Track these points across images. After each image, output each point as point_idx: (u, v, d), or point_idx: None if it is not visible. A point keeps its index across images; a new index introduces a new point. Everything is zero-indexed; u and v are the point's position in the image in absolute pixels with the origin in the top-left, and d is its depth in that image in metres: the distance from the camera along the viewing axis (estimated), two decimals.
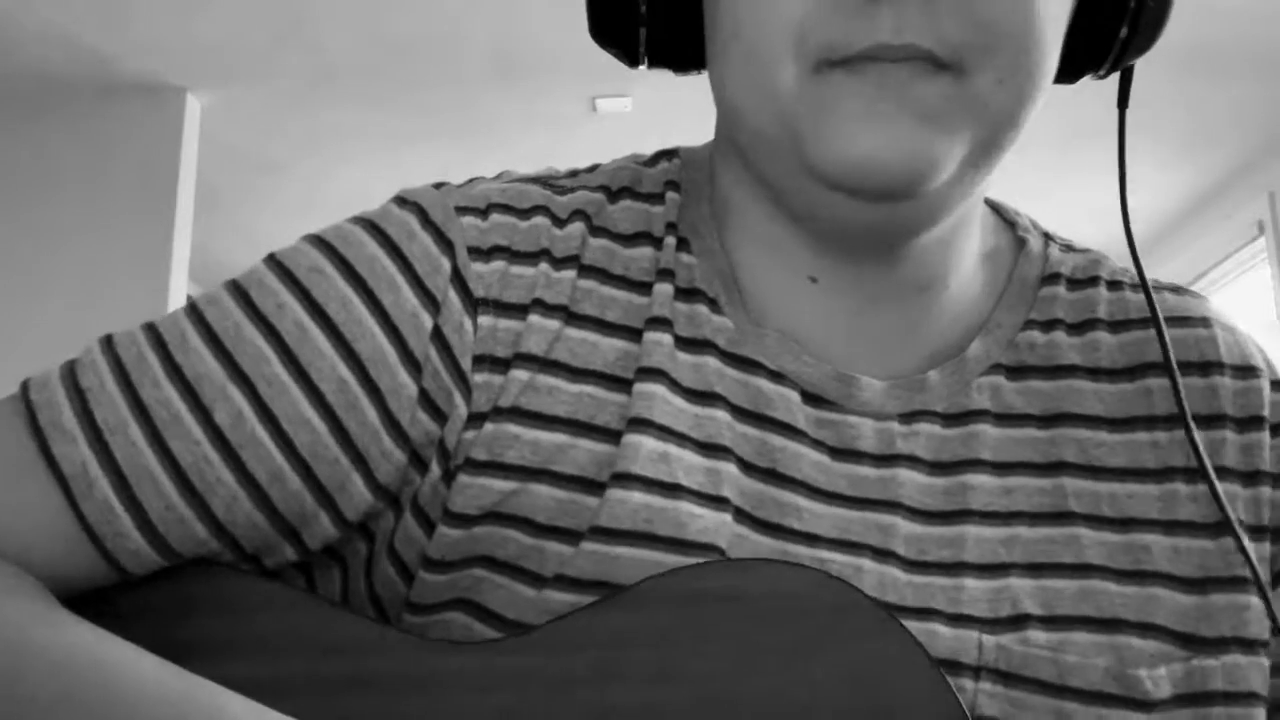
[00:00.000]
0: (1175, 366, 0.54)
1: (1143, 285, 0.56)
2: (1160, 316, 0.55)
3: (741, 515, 0.51)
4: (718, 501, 0.51)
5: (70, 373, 0.51)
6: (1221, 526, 0.53)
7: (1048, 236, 0.61)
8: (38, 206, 3.56)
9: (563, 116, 3.89)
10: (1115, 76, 0.56)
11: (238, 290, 0.52)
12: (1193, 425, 0.53)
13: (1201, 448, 0.53)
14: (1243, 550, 0.51)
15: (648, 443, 0.51)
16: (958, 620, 0.50)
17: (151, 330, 0.52)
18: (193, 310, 0.52)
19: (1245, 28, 3.28)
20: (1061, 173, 4.10)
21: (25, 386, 0.51)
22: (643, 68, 0.56)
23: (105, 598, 0.50)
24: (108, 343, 0.52)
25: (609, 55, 0.56)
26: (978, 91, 0.47)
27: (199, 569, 0.50)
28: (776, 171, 0.51)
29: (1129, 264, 0.60)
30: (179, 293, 3.50)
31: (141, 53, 3.44)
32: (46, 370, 0.52)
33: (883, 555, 0.51)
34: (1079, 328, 0.57)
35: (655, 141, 0.65)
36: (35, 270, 3.48)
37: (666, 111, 3.77)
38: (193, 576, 0.50)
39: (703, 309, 0.54)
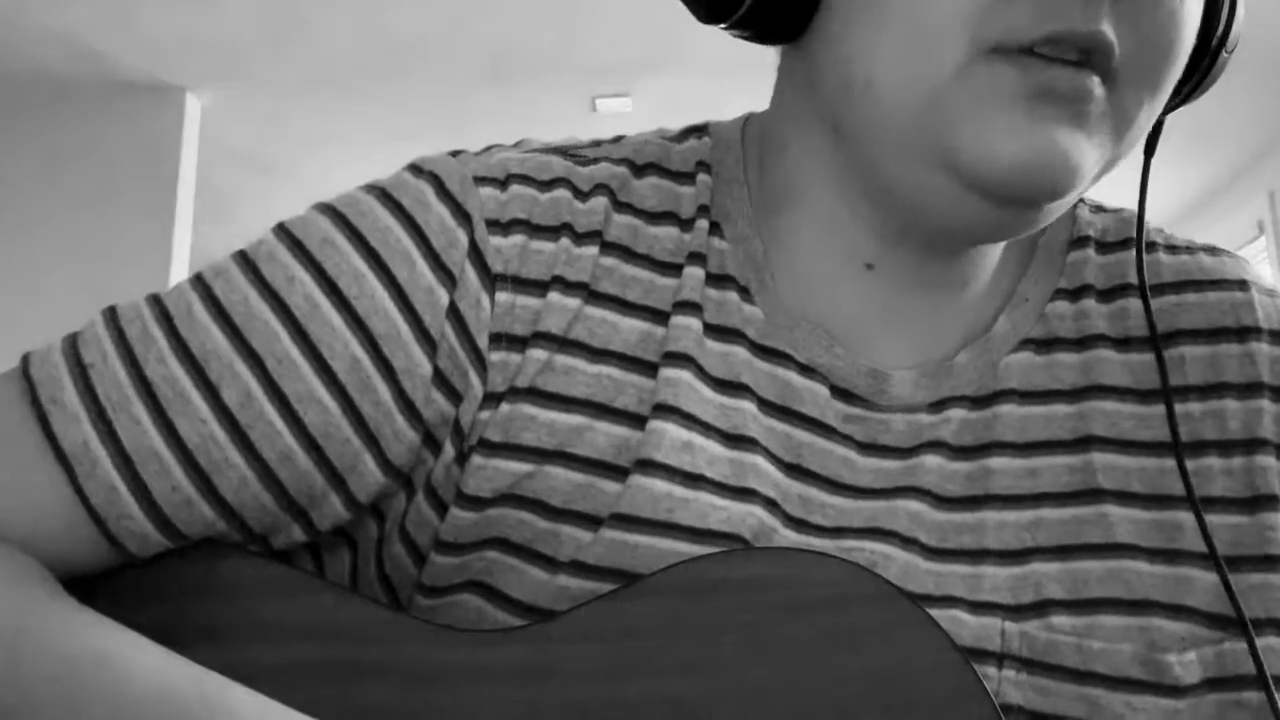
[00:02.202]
0: (1159, 338, 0.53)
1: (1138, 256, 0.55)
2: (1147, 287, 0.54)
3: (772, 506, 0.50)
4: (742, 493, 0.50)
5: (72, 347, 0.49)
6: (1258, 502, 0.52)
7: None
8: (37, 206, 3.56)
9: (563, 116, 3.89)
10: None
11: (246, 262, 0.51)
12: (1187, 404, 0.52)
13: (1218, 418, 0.52)
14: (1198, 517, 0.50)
15: (672, 430, 0.50)
16: (980, 608, 0.49)
17: (157, 303, 0.50)
18: (200, 283, 0.51)
19: (1245, 28, 3.27)
20: None
21: (25, 361, 0.49)
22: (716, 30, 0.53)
23: (108, 579, 0.49)
24: (111, 316, 0.50)
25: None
26: (1126, 108, 0.46)
27: (205, 550, 0.49)
28: (896, 158, 0.48)
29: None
30: None
31: (142, 52, 3.44)
32: (47, 344, 0.50)
33: (907, 543, 0.50)
34: (1109, 294, 0.56)
35: None
36: (35, 270, 3.48)
37: (666, 111, 3.76)
38: (199, 558, 0.49)
39: (733, 296, 0.53)
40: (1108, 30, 0.44)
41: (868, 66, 0.47)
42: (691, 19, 0.53)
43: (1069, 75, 0.45)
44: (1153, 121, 0.49)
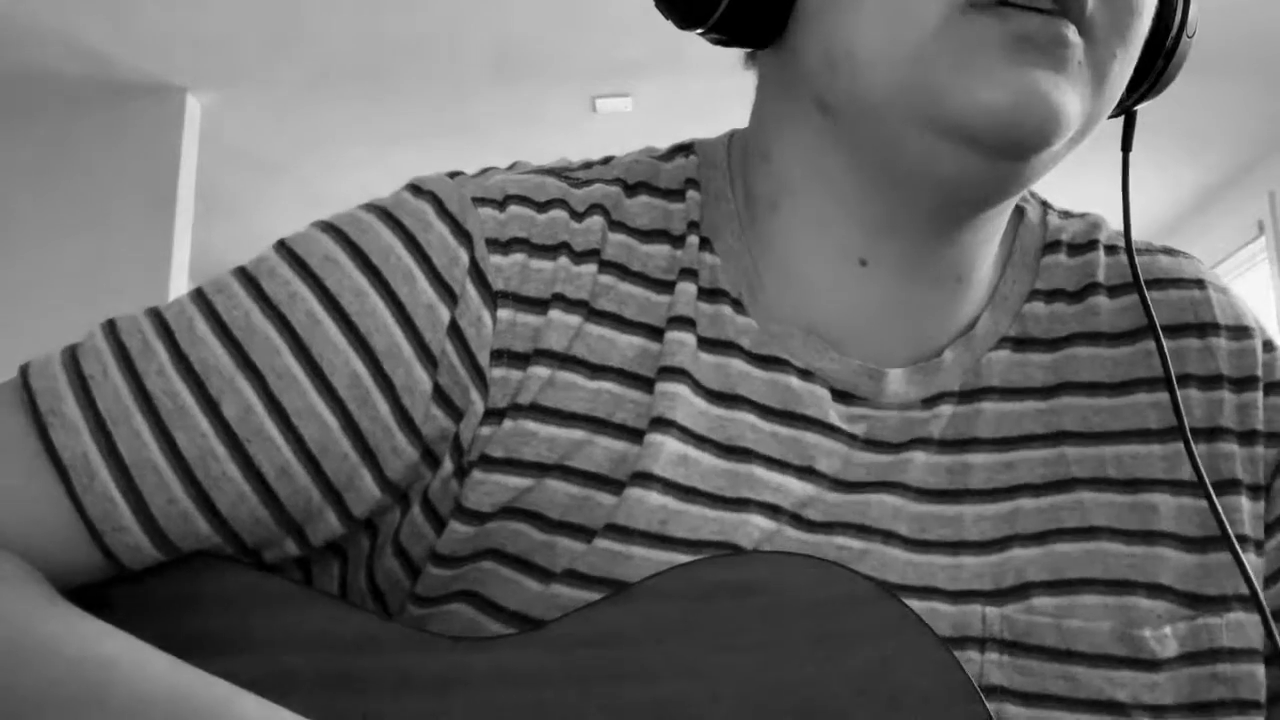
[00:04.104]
0: (1160, 332, 0.55)
1: (1129, 253, 0.57)
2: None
3: (775, 512, 0.51)
4: (737, 504, 0.51)
5: (72, 359, 0.49)
6: (1221, 486, 0.54)
7: (1045, 204, 0.61)
8: (38, 206, 3.56)
9: (563, 116, 3.89)
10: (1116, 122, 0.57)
11: (247, 278, 0.51)
12: (1175, 384, 0.54)
13: (1183, 406, 0.54)
14: (1214, 509, 0.52)
15: (670, 443, 0.50)
16: (960, 596, 0.51)
17: (156, 317, 0.50)
18: (200, 297, 0.51)
19: (1245, 28, 3.28)
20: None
21: (25, 372, 0.50)
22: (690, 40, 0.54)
23: (106, 590, 0.49)
24: (110, 328, 0.50)
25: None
26: (1100, 59, 0.48)
27: (198, 562, 0.49)
28: (884, 124, 0.49)
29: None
30: (179, 293, 3.50)
31: (142, 53, 3.44)
32: (46, 354, 0.50)
33: (887, 536, 0.52)
34: (1079, 294, 0.58)
35: (655, 142, 0.64)
36: (35, 270, 3.48)
37: (666, 111, 3.77)
38: (196, 570, 0.49)
39: (726, 309, 0.54)
40: None
41: (848, 38, 0.49)
42: None
43: (1046, 22, 0.46)
44: (1126, 79, 0.50)
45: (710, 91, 3.77)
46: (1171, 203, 4.64)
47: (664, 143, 0.63)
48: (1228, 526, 0.51)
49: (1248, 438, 0.56)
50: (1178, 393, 0.54)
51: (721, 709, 0.44)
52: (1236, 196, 4.48)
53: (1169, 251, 0.60)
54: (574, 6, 3.22)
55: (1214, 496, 0.52)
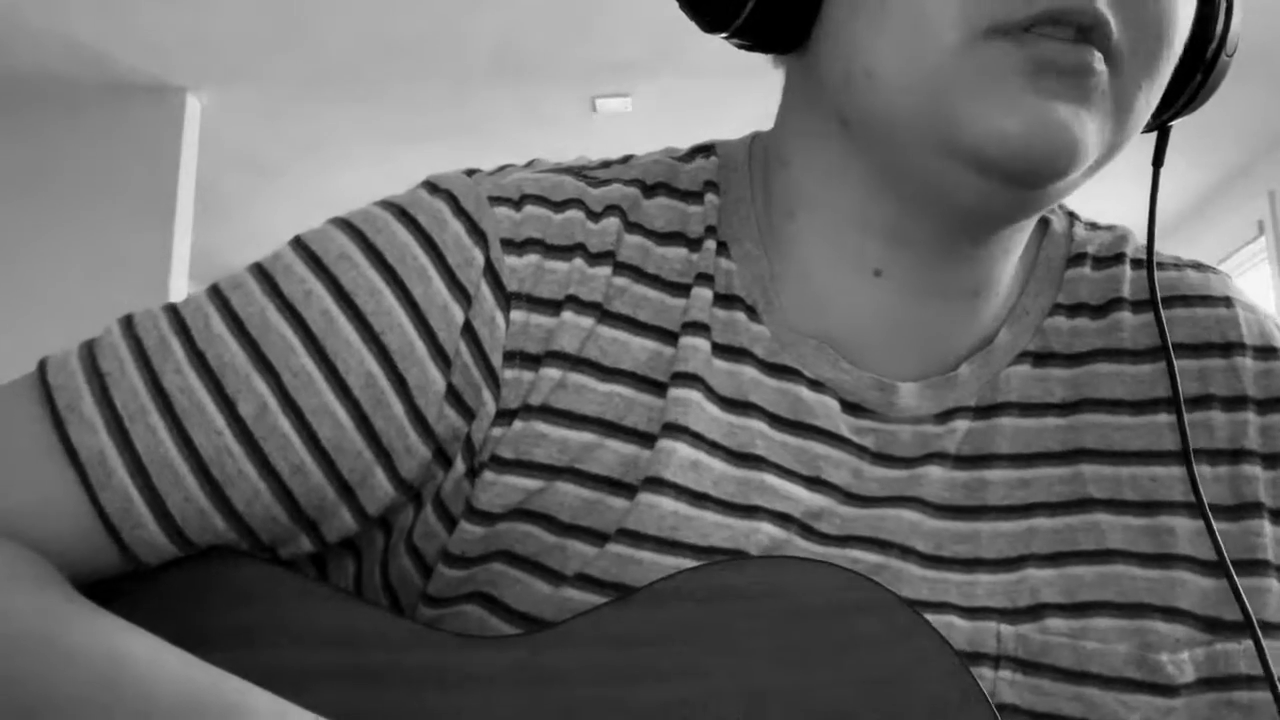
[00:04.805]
0: (1172, 352, 0.54)
1: (1149, 268, 0.56)
2: (1160, 304, 0.55)
3: (785, 520, 0.51)
4: (748, 510, 0.50)
5: (89, 355, 0.50)
6: (1244, 509, 0.53)
7: (1072, 215, 0.60)
8: (37, 206, 3.56)
9: (563, 116, 3.89)
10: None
11: (263, 275, 0.51)
12: (1184, 410, 0.53)
13: (1206, 428, 0.54)
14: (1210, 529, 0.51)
15: (681, 449, 0.50)
16: (975, 613, 0.50)
17: (173, 313, 0.51)
18: (216, 294, 0.51)
19: (1246, 28, 3.27)
20: None
21: (42, 367, 0.50)
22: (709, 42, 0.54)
23: (121, 582, 0.49)
24: (127, 324, 0.51)
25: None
26: (1125, 90, 0.47)
27: (214, 556, 0.50)
28: (901, 145, 0.48)
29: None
30: (179, 293, 3.50)
31: (142, 52, 3.44)
32: (64, 350, 0.51)
33: (905, 551, 0.51)
34: (1102, 309, 0.57)
35: (655, 142, 0.64)
36: (35, 270, 3.48)
37: (666, 112, 3.77)
38: (211, 563, 0.49)
39: (741, 316, 0.54)
40: (1104, 8, 0.45)
41: (867, 57, 0.48)
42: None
43: (1071, 49, 0.45)
44: (1150, 110, 0.49)
45: (710, 92, 3.77)
46: (1172, 202, 4.65)
47: (663, 143, 0.63)
48: (1225, 553, 0.50)
49: (1273, 460, 0.54)
50: (1184, 412, 0.53)
51: (731, 712, 0.44)
52: (1236, 196, 4.48)
53: (1198, 267, 0.59)
54: (574, 6, 3.22)
55: (1211, 521, 0.51)
